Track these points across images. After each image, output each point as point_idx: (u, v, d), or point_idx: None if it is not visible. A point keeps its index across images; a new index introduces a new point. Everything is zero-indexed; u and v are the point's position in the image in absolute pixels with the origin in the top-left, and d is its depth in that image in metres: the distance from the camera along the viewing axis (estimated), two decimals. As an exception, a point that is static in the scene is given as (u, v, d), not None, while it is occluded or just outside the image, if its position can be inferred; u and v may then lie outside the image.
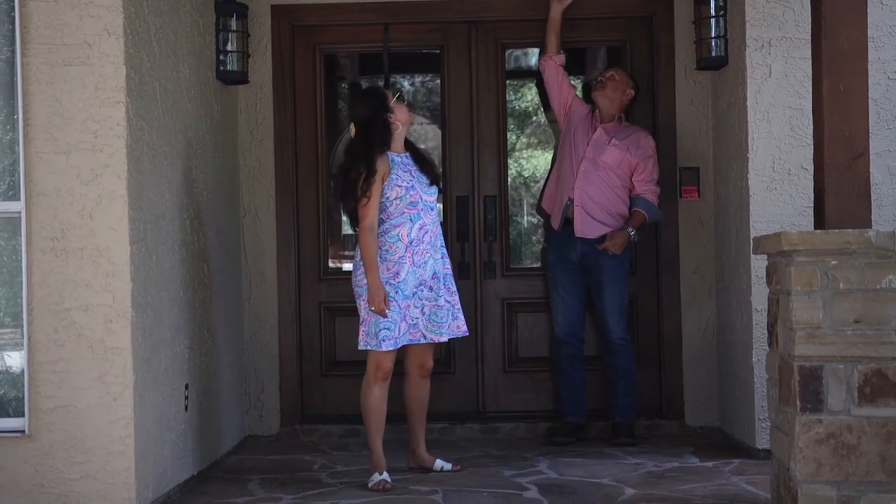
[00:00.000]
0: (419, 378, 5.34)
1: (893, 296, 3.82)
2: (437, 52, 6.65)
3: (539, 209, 6.46)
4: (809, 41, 4.29)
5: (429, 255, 5.16)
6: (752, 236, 5.32)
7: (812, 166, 4.25)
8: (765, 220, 5.51)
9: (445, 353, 6.42)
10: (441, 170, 6.61)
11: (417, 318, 5.17)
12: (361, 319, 5.11)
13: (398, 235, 5.10)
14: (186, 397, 5.22)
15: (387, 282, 5.05)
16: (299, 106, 6.56)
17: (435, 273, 5.19)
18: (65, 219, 4.48)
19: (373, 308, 5.00)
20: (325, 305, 6.57)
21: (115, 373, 4.46)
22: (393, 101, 5.22)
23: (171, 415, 4.99)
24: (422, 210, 5.16)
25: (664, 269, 6.44)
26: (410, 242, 5.11)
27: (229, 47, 6.09)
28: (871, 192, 4.12)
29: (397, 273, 5.08)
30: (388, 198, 5.10)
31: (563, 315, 6.14)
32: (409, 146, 5.35)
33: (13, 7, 4.49)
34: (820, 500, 3.81)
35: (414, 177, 5.19)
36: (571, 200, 6.04)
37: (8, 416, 4.53)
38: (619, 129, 6.11)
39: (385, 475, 5.08)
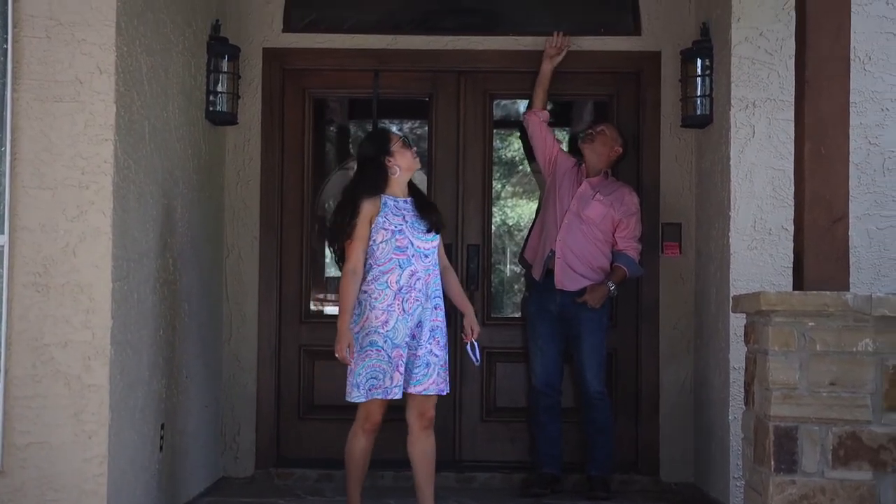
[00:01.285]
0: (420, 429, 4.99)
1: (869, 359, 3.85)
2: (426, 99, 6.69)
3: (521, 259, 6.47)
4: (793, 103, 4.34)
5: (419, 303, 4.95)
6: (731, 294, 5.34)
7: (793, 227, 4.29)
8: (745, 278, 5.54)
9: (423, 400, 6.40)
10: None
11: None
12: (349, 369, 4.92)
13: (387, 282, 4.91)
14: (162, 437, 5.19)
15: (375, 330, 4.88)
16: (287, 148, 6.58)
17: (420, 322, 4.96)
18: (48, 254, 4.47)
19: (337, 355, 4.87)
20: (304, 348, 6.56)
21: (92, 410, 4.44)
22: (397, 146, 5.08)
23: (146, 455, 4.97)
24: (412, 256, 4.95)
25: (644, 324, 6.46)
26: (400, 289, 4.92)
27: (220, 88, 6.12)
28: (850, 255, 4.16)
29: (386, 321, 4.88)
30: (374, 241, 4.96)
31: (541, 366, 6.15)
32: (414, 191, 5.17)
33: (6, 41, 4.51)
34: (792, 561, 3.82)
35: (407, 221, 4.99)
36: (553, 252, 6.07)
37: (-19, 450, 4.51)
38: (604, 185, 6.16)
39: (360, 523, 5.04)
